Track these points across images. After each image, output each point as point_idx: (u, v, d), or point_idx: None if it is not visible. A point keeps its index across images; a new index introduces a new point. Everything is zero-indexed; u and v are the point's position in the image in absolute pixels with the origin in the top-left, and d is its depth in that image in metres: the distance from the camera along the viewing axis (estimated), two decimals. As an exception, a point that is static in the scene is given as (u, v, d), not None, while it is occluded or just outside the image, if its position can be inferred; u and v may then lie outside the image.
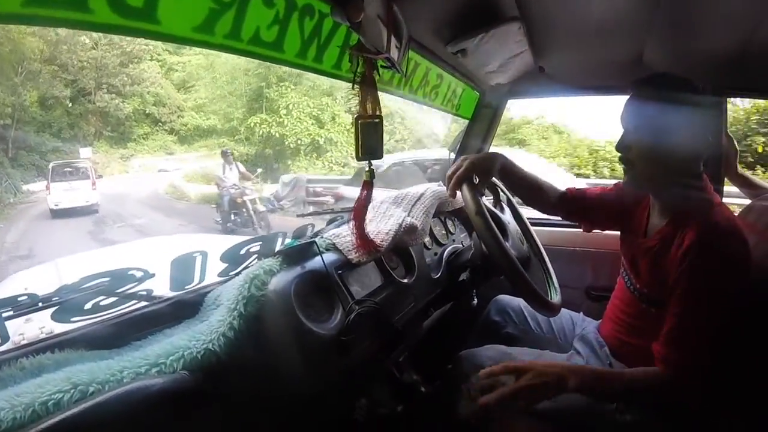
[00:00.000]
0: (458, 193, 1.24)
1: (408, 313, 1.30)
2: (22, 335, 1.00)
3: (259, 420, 0.93)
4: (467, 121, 2.11)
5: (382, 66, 1.06)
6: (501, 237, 1.18)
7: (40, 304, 0.83)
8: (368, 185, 1.10)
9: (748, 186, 1.70)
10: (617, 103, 1.23)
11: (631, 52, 1.52)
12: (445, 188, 1.73)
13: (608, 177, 10.01)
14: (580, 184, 4.35)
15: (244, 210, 7.98)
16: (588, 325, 1.49)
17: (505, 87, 1.96)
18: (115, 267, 0.92)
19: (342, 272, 1.16)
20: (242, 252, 1.06)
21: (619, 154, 1.19)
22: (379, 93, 1.07)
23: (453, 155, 2.16)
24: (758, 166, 7.91)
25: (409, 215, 1.42)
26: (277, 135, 18.27)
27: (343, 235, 1.22)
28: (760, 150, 7.99)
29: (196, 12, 0.78)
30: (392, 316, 1.22)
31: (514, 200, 1.64)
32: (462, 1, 1.21)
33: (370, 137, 1.04)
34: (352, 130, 1.04)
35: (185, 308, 1.00)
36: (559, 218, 1.62)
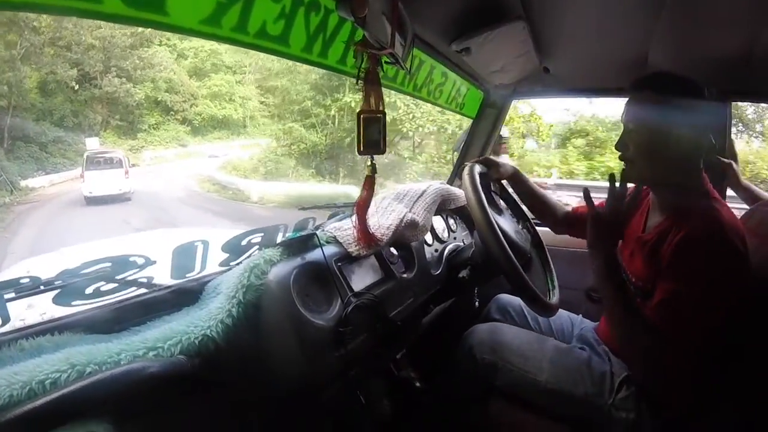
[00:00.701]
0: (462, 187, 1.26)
1: (407, 309, 1.31)
2: (23, 321, 1.01)
3: (253, 407, 0.94)
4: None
5: (386, 62, 1.07)
6: (498, 229, 1.20)
7: (42, 287, 0.83)
8: (370, 180, 1.11)
9: (753, 198, 1.64)
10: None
11: (636, 54, 1.52)
12: (447, 186, 1.75)
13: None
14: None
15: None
16: (586, 326, 1.51)
17: (509, 87, 1.97)
18: (118, 253, 0.92)
19: (341, 264, 1.17)
20: (243, 243, 1.07)
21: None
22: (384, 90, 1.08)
23: (456, 154, 2.17)
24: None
25: (410, 211, 1.43)
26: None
27: (344, 228, 1.24)
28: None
29: (204, 4, 0.80)
30: (391, 311, 1.23)
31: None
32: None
33: (372, 132, 1.05)
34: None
35: (185, 296, 1.01)
36: None
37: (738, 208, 1.34)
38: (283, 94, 22.18)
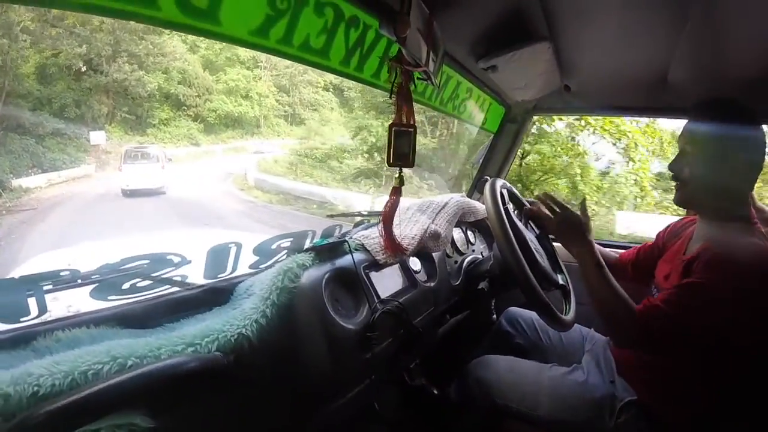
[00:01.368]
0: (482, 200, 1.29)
1: (426, 317, 1.34)
2: (50, 312, 1.03)
3: (280, 405, 0.96)
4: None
5: (418, 78, 1.10)
6: (516, 243, 1.23)
7: (80, 281, 0.85)
8: (397, 191, 1.14)
9: (766, 220, 1.60)
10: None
11: (655, 73, 1.54)
12: (467, 199, 1.78)
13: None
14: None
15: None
16: (598, 341, 1.52)
17: (530, 103, 2.00)
18: (157, 251, 0.95)
19: (369, 272, 1.20)
20: (273, 246, 1.10)
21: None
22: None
23: (477, 167, 2.20)
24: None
25: (433, 222, 1.46)
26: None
27: (372, 236, 1.27)
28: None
29: (254, 16, 0.84)
30: (413, 318, 1.26)
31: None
32: (496, 19, 1.25)
33: (402, 145, 1.08)
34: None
35: (217, 296, 1.03)
36: None
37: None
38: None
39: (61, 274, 0.83)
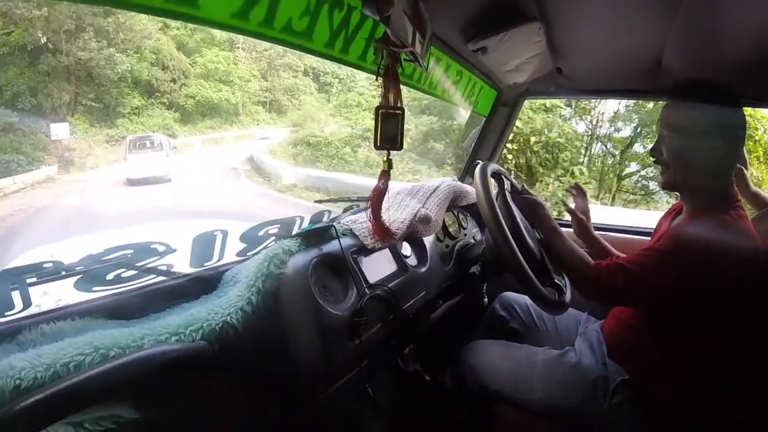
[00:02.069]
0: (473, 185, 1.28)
1: (418, 302, 1.34)
2: (39, 307, 1.02)
3: (268, 393, 0.96)
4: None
5: (405, 60, 1.09)
6: (506, 228, 1.22)
7: (64, 273, 0.84)
8: (386, 174, 1.13)
9: (761, 204, 1.60)
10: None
11: (649, 56, 1.52)
12: (458, 183, 1.77)
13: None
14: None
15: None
16: (591, 324, 1.52)
17: (522, 86, 1.98)
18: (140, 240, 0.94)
19: (357, 257, 1.20)
20: (260, 233, 1.09)
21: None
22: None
23: (469, 151, 2.18)
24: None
25: (423, 206, 1.45)
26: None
27: (360, 221, 1.26)
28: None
29: (234, -1, 0.81)
30: (403, 303, 1.26)
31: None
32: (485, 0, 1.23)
33: (390, 128, 1.06)
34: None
35: (204, 284, 1.02)
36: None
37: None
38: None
39: (45, 266, 0.82)
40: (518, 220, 1.36)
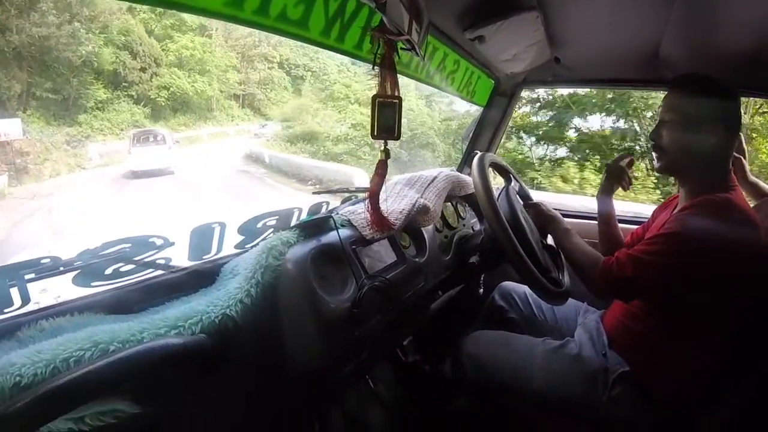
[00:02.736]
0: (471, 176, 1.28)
1: (417, 293, 1.33)
2: (38, 304, 1.02)
3: (268, 385, 0.96)
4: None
5: (401, 48, 1.08)
6: (504, 218, 1.22)
7: (62, 268, 0.84)
8: (383, 164, 1.13)
9: (759, 193, 1.58)
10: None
11: (647, 46, 1.53)
12: (457, 173, 1.76)
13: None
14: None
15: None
16: (591, 315, 1.52)
17: (520, 76, 1.98)
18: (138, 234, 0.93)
19: (356, 247, 1.19)
20: (259, 225, 1.09)
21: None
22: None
23: (467, 142, 2.18)
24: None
25: (422, 197, 1.45)
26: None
27: (358, 212, 1.26)
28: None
29: (228, -14, 0.78)
30: (402, 294, 1.25)
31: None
32: None
33: (387, 117, 1.06)
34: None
35: (202, 277, 1.02)
36: (572, 210, 1.68)
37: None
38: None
39: (42, 261, 0.82)
40: (519, 213, 1.36)
